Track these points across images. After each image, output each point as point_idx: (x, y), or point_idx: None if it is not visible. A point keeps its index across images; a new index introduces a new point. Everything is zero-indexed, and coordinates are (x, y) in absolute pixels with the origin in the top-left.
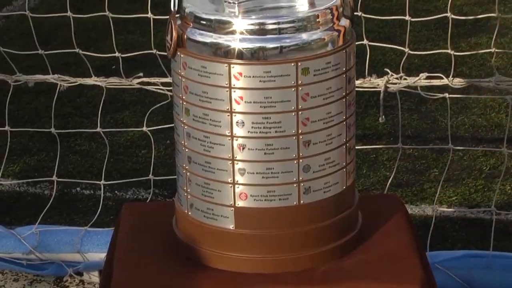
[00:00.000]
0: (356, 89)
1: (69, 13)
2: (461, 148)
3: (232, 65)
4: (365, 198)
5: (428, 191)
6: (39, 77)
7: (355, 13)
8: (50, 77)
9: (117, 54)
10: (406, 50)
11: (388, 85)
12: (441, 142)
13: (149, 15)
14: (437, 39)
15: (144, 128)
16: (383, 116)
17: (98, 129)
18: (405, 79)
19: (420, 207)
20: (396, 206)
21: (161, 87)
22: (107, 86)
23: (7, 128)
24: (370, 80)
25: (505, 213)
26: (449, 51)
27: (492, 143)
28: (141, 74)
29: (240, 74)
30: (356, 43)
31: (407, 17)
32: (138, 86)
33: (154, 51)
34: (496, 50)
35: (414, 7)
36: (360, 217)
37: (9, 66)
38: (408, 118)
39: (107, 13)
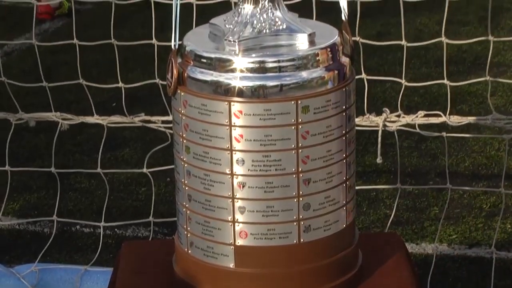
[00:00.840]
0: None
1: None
2: (461, 187)
3: (232, 103)
4: (365, 236)
5: (429, 229)
6: (41, 115)
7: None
8: (52, 115)
9: (120, 84)
10: (403, 82)
11: (386, 123)
12: (441, 180)
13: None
14: (437, 77)
15: (144, 170)
16: (381, 157)
17: (98, 170)
18: (403, 117)
19: (420, 245)
20: (396, 245)
21: (162, 125)
22: (108, 125)
23: (7, 167)
24: (368, 117)
25: (506, 252)
26: (445, 81)
27: (492, 181)
28: (142, 114)
29: (240, 112)
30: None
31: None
32: (140, 124)
33: (157, 80)
34: (495, 88)
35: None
36: (361, 255)
37: (10, 103)
38: (408, 156)
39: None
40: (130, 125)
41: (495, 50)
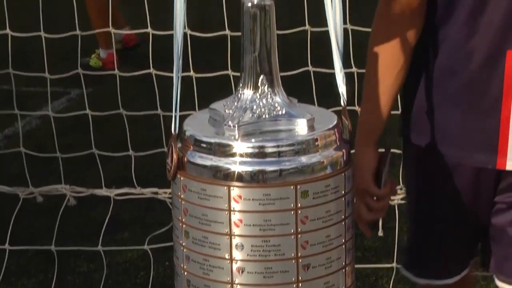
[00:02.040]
0: None
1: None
2: None
3: (231, 188)
4: None
5: None
6: (51, 188)
7: None
8: (61, 187)
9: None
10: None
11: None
12: None
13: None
14: None
15: (145, 247)
16: (382, 231)
17: (99, 248)
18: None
19: None
20: None
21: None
22: (114, 198)
23: (6, 246)
24: None
25: None
26: None
27: None
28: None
29: (240, 196)
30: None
31: None
32: (150, 195)
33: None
34: None
35: None
36: None
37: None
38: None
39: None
40: (129, 208)
41: None
